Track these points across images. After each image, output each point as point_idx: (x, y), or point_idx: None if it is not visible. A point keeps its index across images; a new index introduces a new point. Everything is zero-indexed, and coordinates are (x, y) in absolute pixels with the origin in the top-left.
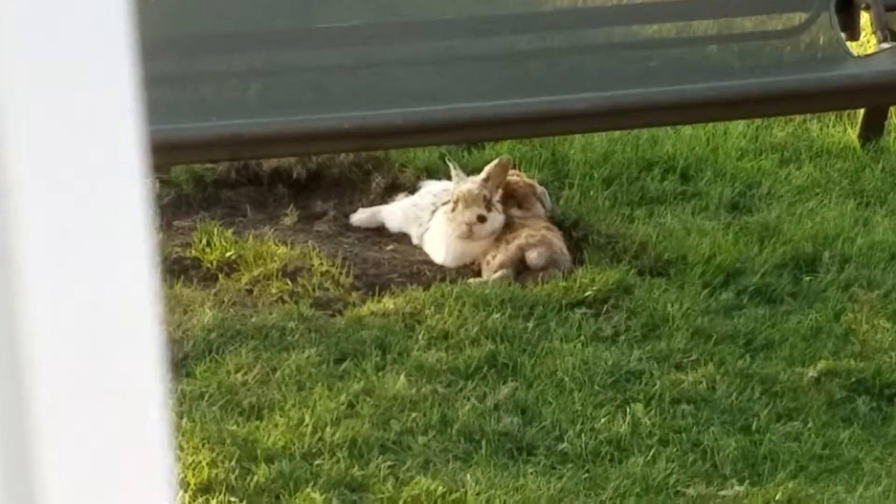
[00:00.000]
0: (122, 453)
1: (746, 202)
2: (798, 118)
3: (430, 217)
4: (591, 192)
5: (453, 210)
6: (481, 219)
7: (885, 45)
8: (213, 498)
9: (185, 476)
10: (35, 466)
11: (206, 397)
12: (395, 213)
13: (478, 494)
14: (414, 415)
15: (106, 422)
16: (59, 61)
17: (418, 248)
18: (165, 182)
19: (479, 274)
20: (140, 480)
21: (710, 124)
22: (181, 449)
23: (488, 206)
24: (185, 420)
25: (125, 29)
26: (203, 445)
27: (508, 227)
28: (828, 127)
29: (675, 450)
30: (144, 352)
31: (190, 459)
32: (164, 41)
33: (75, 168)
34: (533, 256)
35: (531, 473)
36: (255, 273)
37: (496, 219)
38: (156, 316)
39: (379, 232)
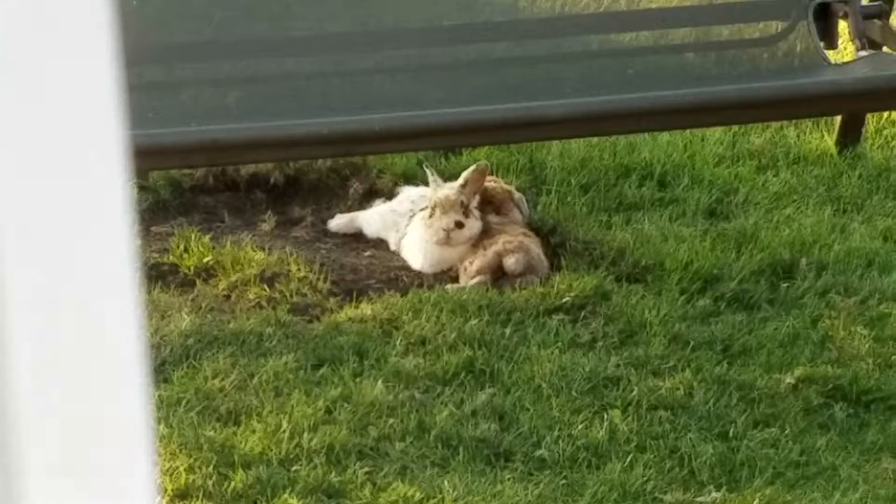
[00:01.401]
0: (104, 455)
1: (723, 209)
2: (775, 125)
3: (408, 223)
4: (569, 199)
5: (431, 216)
6: (459, 225)
7: (863, 53)
8: (191, 503)
9: (163, 482)
10: (18, 472)
11: (183, 403)
12: (372, 219)
13: (455, 501)
14: (391, 421)
15: (87, 423)
16: (41, 68)
17: (396, 254)
18: (143, 188)
19: (456, 280)
20: (121, 482)
21: (688, 131)
22: (158, 455)
23: (466, 212)
24: (162, 426)
25: (108, 36)
26: (180, 451)
27: (486, 233)
28: (805, 134)
29: (652, 456)
30: (126, 360)
31: (167, 465)
32: (144, 47)
33: (57, 171)
34: (510, 262)
35: (508, 480)
36: (233, 279)
37: (474, 225)
38: (138, 323)
39: (356, 238)
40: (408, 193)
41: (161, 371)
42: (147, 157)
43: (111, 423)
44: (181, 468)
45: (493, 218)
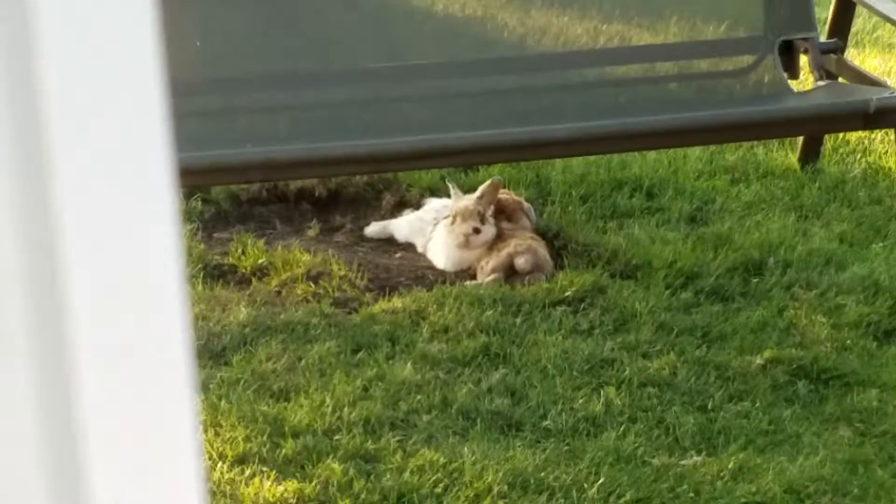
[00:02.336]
0: (156, 427)
1: (702, 216)
2: (746, 145)
3: (433, 229)
4: (570, 208)
5: (452, 223)
6: (476, 231)
7: (821, 83)
8: (247, 468)
9: (224, 450)
10: (81, 441)
11: (241, 382)
12: (402, 226)
13: (474, 464)
14: (419, 397)
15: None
16: (99, 103)
17: (422, 256)
18: (207, 200)
19: (474, 277)
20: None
21: (671, 150)
22: (220, 426)
23: (482, 219)
24: (223, 402)
25: (155, 68)
26: (239, 423)
27: (499, 237)
28: (772, 152)
29: (642, 426)
30: (175, 348)
31: (228, 435)
32: (206, 81)
33: (112, 188)
34: (520, 262)
35: (519, 446)
36: (283, 277)
37: (489, 231)
38: (185, 315)
39: (389, 242)
40: (433, 204)
41: (222, 355)
42: (210, 175)
43: (161, 408)
44: (239, 438)
45: (505, 224)
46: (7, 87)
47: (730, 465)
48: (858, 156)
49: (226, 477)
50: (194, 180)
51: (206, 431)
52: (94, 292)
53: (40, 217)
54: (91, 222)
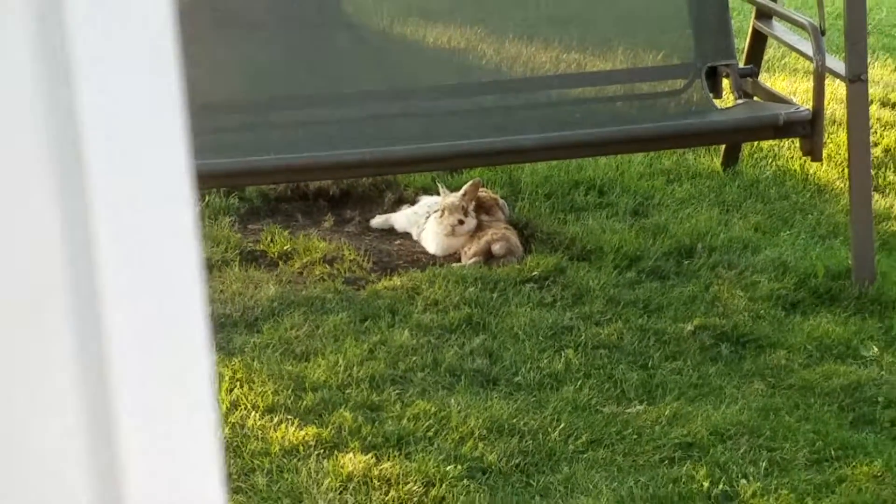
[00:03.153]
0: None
1: (644, 209)
2: (679, 152)
3: (425, 221)
4: (536, 203)
5: (441, 216)
6: (461, 222)
7: (740, 101)
8: (275, 416)
9: (256, 401)
10: (113, 399)
11: (270, 346)
12: (400, 219)
13: (459, 413)
14: (414, 358)
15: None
16: (131, 132)
17: (417, 243)
18: (242, 198)
19: (458, 260)
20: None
21: (619, 156)
22: (253, 382)
23: (465, 213)
24: (255, 362)
25: (177, 88)
26: (268, 380)
27: (479, 227)
28: (700, 157)
29: (595, 381)
30: (195, 320)
31: (259, 390)
32: (242, 102)
33: (136, 192)
34: (496, 248)
35: (495, 398)
36: (304, 260)
37: (471, 222)
38: (202, 295)
39: (390, 232)
40: (425, 201)
41: (255, 324)
42: (243, 177)
43: (182, 372)
44: (269, 392)
45: (484, 217)
46: (48, 114)
47: (666, 413)
48: (770, 160)
49: (258, 424)
50: (232, 182)
51: (241, 387)
52: (123, 277)
53: (83, 246)
54: (125, 233)
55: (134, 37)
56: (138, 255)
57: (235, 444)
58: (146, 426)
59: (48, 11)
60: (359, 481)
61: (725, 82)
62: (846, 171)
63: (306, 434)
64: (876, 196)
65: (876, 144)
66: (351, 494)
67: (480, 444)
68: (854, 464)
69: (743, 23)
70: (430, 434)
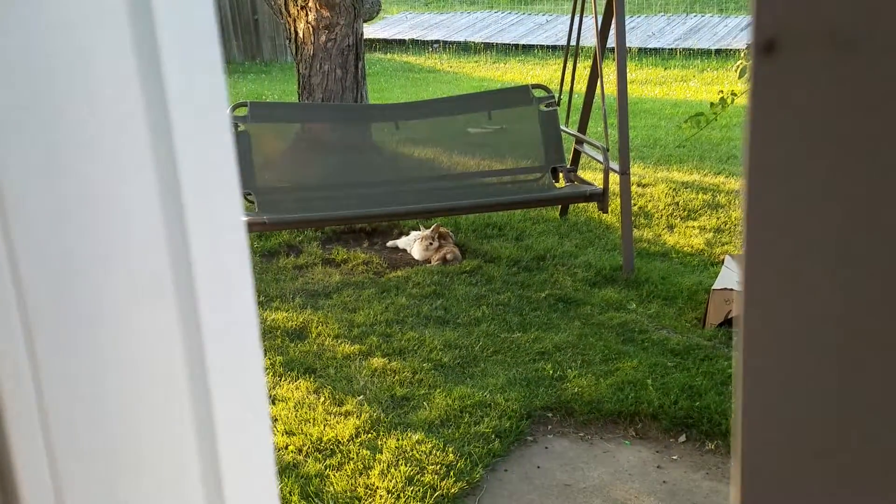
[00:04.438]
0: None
1: (521, 237)
2: (538, 209)
3: (413, 243)
4: (468, 234)
5: (421, 241)
6: (431, 243)
7: (567, 184)
8: (339, 340)
9: (330, 332)
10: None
11: (336, 306)
12: (402, 242)
13: (430, 338)
14: (407, 311)
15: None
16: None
17: (410, 255)
18: (323, 231)
19: (430, 262)
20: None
21: (508, 211)
22: (329, 322)
23: (433, 239)
24: (330, 313)
25: (231, 166)
26: (335, 322)
27: (440, 247)
28: (549, 211)
29: (497, 322)
30: (247, 308)
31: (331, 326)
32: (297, 186)
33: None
34: (449, 256)
35: (448, 330)
36: (352, 263)
37: (436, 244)
38: (251, 287)
39: (396, 249)
40: (413, 234)
41: (329, 295)
42: (294, 225)
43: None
44: (336, 327)
45: (442, 241)
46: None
47: (531, 337)
48: (582, 212)
49: (329, 343)
50: (313, 225)
51: (322, 325)
52: (207, 267)
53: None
54: (208, 233)
55: (215, 141)
56: (215, 265)
57: (319, 353)
58: (225, 373)
59: (159, 126)
60: (380, 372)
61: (560, 175)
62: (620, 217)
63: (354, 348)
64: (635, 231)
65: (635, 204)
66: (377, 377)
67: (440, 353)
68: (624, 361)
69: (569, 144)
70: (414, 347)
